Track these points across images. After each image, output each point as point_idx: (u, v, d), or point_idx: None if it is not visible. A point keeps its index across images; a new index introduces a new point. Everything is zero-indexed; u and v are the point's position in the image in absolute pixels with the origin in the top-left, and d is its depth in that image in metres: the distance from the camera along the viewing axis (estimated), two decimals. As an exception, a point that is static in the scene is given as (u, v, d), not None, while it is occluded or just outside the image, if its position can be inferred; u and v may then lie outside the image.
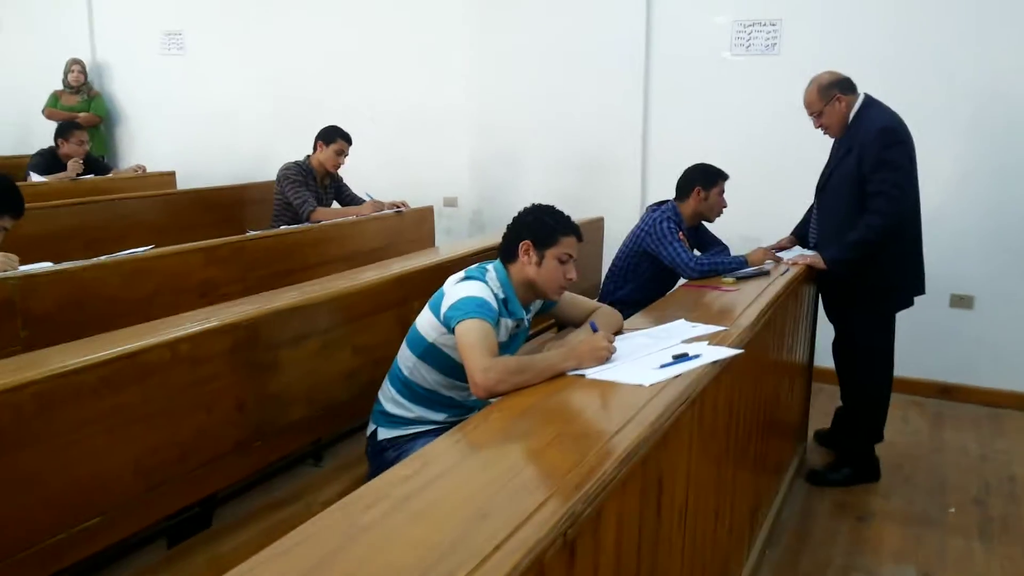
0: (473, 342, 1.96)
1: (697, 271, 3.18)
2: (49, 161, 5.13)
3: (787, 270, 3.14)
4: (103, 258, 2.81)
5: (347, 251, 3.82)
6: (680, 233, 3.32)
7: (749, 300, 2.65)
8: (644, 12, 4.92)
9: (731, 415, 2.24)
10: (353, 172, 5.72)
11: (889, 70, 4.25)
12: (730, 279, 3.03)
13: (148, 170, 5.75)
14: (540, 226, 2.20)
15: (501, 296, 2.18)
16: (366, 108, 5.87)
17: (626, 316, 3.47)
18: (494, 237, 3.90)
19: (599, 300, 3.67)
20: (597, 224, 4.24)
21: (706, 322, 2.40)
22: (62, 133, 5.24)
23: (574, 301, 2.42)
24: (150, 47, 6.80)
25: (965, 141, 4.31)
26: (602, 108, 5.10)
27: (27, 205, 2.78)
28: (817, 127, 3.37)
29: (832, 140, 3.43)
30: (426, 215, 4.50)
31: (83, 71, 6.79)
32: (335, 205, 4.63)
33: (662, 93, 4.98)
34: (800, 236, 3.69)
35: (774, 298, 2.65)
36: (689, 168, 3.51)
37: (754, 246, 3.66)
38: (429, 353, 2.19)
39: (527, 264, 2.20)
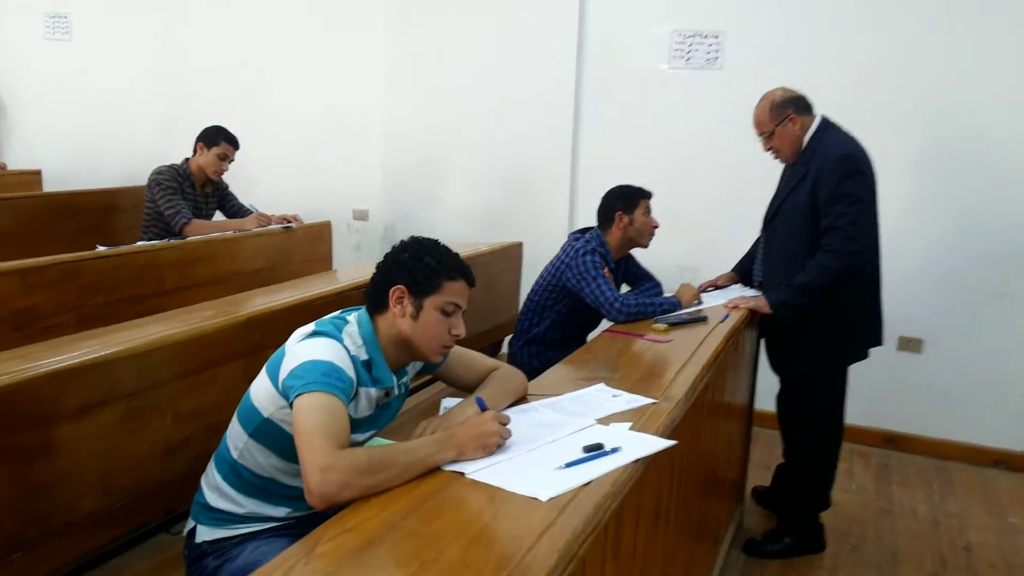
0: (312, 427, 1.43)
1: (624, 314, 2.71)
2: None
3: (727, 316, 2.69)
4: None
5: (219, 273, 3.25)
6: (606, 269, 2.85)
7: (684, 358, 2.18)
8: (576, 20, 4.46)
9: (659, 511, 1.76)
10: (259, 180, 5.20)
11: (841, 91, 3.88)
12: (662, 326, 2.56)
13: (28, 169, 5.06)
14: (418, 267, 1.68)
15: (363, 358, 1.66)
16: (274, 110, 5.29)
17: (543, 357, 3.02)
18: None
19: (513, 337, 3.19)
20: (515, 250, 3.74)
21: (631, 388, 1.92)
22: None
23: (463, 359, 1.91)
24: (33, 30, 6.08)
25: (920, 171, 3.96)
26: (530, 121, 4.62)
27: None
28: (766, 150, 2.95)
29: (783, 164, 3.01)
30: (323, 232, 3.94)
31: (-47, 54, 6.04)
32: (219, 217, 4.04)
33: (594, 106, 4.53)
34: (742, 273, 3.26)
35: (713, 357, 2.19)
36: (607, 193, 3.06)
37: (694, 278, 3.23)
38: (264, 431, 1.65)
39: (400, 316, 1.68)
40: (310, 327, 1.65)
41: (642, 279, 3.17)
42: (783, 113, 2.85)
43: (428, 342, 1.71)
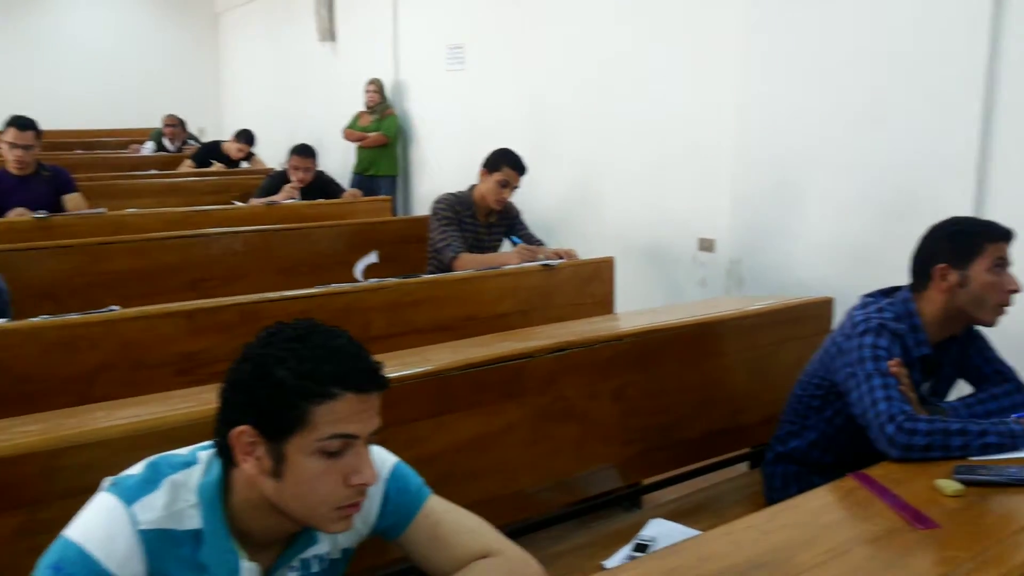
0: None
1: (900, 446, 1.56)
2: (277, 184, 4.86)
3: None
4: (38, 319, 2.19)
5: (446, 318, 2.79)
6: (896, 360, 1.70)
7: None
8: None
9: None
10: (607, 206, 4.84)
11: None
12: (953, 485, 1.39)
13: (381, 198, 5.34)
14: (266, 391, 0.98)
15: (189, 527, 1.01)
16: (625, 129, 4.75)
17: (804, 484, 1.97)
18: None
19: (769, 446, 2.15)
20: (818, 309, 2.56)
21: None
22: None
23: (436, 529, 1.12)
24: (437, 63, 6.45)
25: None
26: (917, 124, 3.33)
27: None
28: None
29: None
30: (601, 270, 3.24)
31: (378, 91, 6.69)
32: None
33: (1019, 90, 3.07)
34: None
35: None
36: (928, 232, 1.87)
37: None
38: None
39: (257, 474, 1.01)
40: (136, 468, 1.06)
41: (988, 378, 1.88)
42: None
43: (310, 510, 1.00)
